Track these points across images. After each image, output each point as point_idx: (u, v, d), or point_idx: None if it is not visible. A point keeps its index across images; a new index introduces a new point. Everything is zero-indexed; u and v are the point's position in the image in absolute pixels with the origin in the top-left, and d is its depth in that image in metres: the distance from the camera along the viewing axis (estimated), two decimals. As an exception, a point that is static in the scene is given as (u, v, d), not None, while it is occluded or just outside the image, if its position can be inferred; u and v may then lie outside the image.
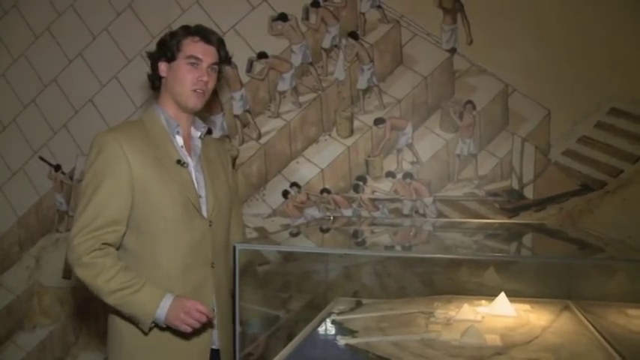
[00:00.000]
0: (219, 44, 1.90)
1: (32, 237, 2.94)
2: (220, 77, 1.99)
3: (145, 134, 1.82)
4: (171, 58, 1.85)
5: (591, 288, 2.09)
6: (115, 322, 1.81)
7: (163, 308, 1.69)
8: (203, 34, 1.87)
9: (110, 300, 1.70)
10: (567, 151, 2.44)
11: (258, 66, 2.70)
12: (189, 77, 1.83)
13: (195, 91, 1.83)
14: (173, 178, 1.79)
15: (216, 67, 1.89)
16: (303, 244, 2.15)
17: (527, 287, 2.20)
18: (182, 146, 1.87)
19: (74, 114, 2.88)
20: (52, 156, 2.91)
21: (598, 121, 2.41)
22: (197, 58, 1.83)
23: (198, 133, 1.93)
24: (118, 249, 1.79)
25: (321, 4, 2.64)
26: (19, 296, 2.96)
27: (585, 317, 1.90)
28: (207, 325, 1.76)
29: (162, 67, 1.88)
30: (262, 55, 2.69)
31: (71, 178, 2.89)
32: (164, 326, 1.73)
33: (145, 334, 1.75)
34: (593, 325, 1.80)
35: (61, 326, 2.92)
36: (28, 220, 2.95)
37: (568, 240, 2.27)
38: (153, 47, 2.76)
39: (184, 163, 1.83)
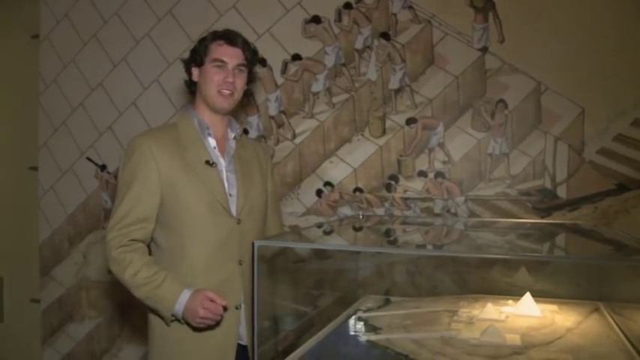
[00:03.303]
0: (245, 45, 1.96)
1: (80, 234, 3.11)
2: (253, 78, 2.04)
3: (176, 137, 1.91)
4: (200, 63, 1.94)
5: (625, 290, 2.04)
6: (150, 315, 1.91)
7: (181, 304, 1.77)
8: (227, 37, 1.93)
9: (137, 294, 1.80)
10: (602, 150, 2.39)
11: (293, 68, 2.76)
12: (215, 79, 1.91)
13: (221, 92, 1.91)
14: (200, 178, 1.87)
15: (243, 68, 1.95)
16: (327, 242, 2.19)
17: (558, 288, 2.17)
18: (215, 147, 1.94)
19: (118, 116, 3.02)
20: (98, 156, 3.06)
21: (635, 118, 2.35)
22: (222, 61, 1.91)
23: (233, 134, 2.00)
24: (149, 245, 1.89)
25: (353, 5, 2.68)
26: (68, 289, 3.13)
27: (614, 320, 1.86)
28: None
29: (195, 72, 1.97)
30: (296, 57, 2.75)
31: (115, 177, 3.02)
32: (183, 322, 1.81)
33: (168, 325, 1.84)
34: (620, 328, 1.77)
35: (107, 319, 3.07)
36: (76, 218, 3.11)
37: (602, 241, 2.22)
38: (192, 51, 2.88)
39: (213, 163, 1.90)
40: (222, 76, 1.91)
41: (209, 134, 1.94)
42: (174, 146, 1.88)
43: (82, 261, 3.09)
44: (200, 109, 1.97)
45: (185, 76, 2.03)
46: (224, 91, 1.91)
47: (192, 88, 2.01)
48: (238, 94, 1.96)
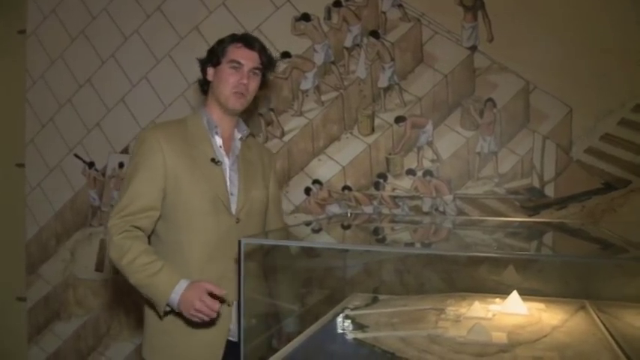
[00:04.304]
0: (262, 50, 2.01)
1: (68, 231, 3.08)
2: (267, 81, 2.10)
3: (184, 133, 1.95)
4: (216, 63, 1.99)
5: (611, 288, 2.05)
6: (146, 306, 1.95)
7: (177, 293, 1.78)
8: (245, 40, 1.99)
9: (132, 280, 1.82)
10: (590, 149, 2.40)
11: (282, 65, 2.75)
12: (230, 80, 1.95)
13: (235, 93, 1.96)
14: (205, 175, 1.91)
15: (257, 71, 2.00)
16: (315, 240, 2.19)
17: (546, 286, 2.18)
18: (220, 146, 1.99)
19: (106, 113, 3.00)
20: (86, 153, 3.04)
21: (622, 118, 2.36)
22: (238, 63, 1.96)
23: (239, 135, 2.04)
24: (150, 236, 1.91)
25: (343, 3, 2.68)
26: (55, 287, 3.11)
27: (600, 318, 1.87)
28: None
29: (210, 71, 2.02)
30: (286, 55, 2.74)
31: (103, 174, 3.01)
32: (178, 311, 1.81)
33: (160, 318, 1.85)
34: (605, 326, 1.78)
35: (94, 317, 3.05)
36: (64, 215, 3.09)
37: (589, 239, 2.23)
38: (181, 48, 2.89)
39: (218, 161, 1.94)
40: (237, 77, 1.96)
41: (216, 133, 1.99)
42: (181, 142, 1.92)
43: (69, 259, 3.07)
44: (210, 108, 2.02)
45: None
46: (237, 92, 1.96)
47: (204, 87, 2.07)
48: (250, 96, 2.01)
